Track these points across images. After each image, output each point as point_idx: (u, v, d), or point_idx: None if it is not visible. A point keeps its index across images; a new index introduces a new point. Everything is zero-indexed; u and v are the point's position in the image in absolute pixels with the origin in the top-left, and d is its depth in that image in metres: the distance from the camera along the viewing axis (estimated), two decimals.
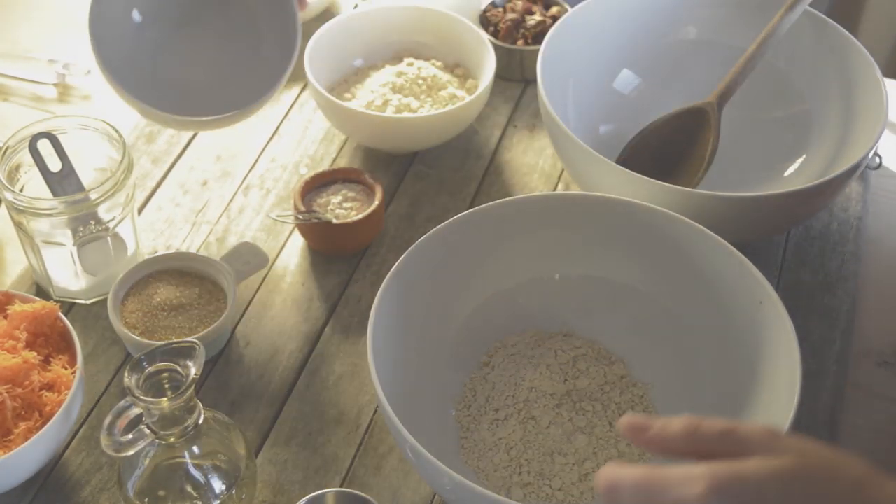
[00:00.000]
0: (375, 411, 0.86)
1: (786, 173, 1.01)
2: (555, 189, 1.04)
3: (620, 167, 0.88)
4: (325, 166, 1.06)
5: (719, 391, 0.80)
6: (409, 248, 0.81)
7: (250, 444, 0.78)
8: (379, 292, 0.77)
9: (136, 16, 0.93)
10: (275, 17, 0.93)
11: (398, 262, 0.80)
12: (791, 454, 0.50)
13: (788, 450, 0.50)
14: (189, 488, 0.73)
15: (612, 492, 0.51)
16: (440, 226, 0.83)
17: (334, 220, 0.94)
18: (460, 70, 1.09)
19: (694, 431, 0.52)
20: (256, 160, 1.06)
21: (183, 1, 0.94)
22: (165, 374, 0.69)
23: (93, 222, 0.86)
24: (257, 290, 0.95)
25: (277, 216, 0.96)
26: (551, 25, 1.06)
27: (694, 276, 0.83)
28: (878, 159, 1.04)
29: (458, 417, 0.83)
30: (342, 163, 1.06)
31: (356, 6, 1.22)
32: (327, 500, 0.75)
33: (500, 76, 1.12)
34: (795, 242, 0.99)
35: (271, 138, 1.09)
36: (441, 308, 0.85)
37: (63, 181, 0.87)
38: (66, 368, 0.79)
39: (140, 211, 1.00)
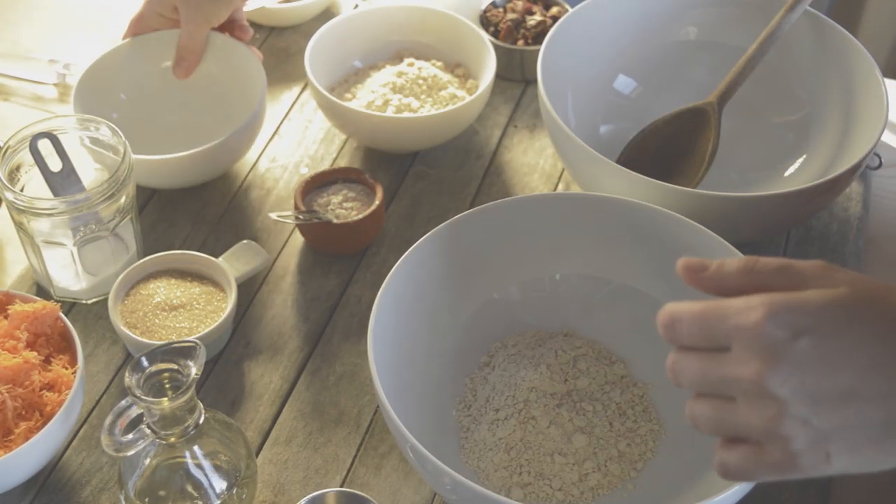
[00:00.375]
0: (376, 411, 0.86)
1: (786, 173, 1.01)
2: (555, 189, 1.04)
3: (620, 167, 0.88)
4: (325, 166, 1.06)
5: None
6: (410, 248, 0.81)
7: (250, 443, 0.78)
8: (379, 292, 0.78)
9: (122, 96, 1.04)
10: (237, 71, 1.03)
11: (398, 262, 0.80)
12: (845, 285, 0.52)
13: (842, 281, 0.52)
14: (189, 488, 0.73)
15: (671, 326, 0.53)
16: (440, 226, 0.83)
17: (335, 220, 0.94)
18: (461, 70, 1.09)
19: (752, 268, 0.54)
20: (256, 160, 1.06)
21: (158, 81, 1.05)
22: (166, 374, 0.69)
23: (93, 222, 0.86)
24: (257, 290, 0.95)
25: (278, 216, 0.96)
26: (551, 25, 1.06)
27: None
28: (878, 159, 1.04)
29: (458, 417, 0.83)
30: (342, 163, 1.06)
31: (356, 6, 1.22)
32: (327, 500, 0.75)
33: (500, 76, 1.12)
34: (795, 242, 0.99)
35: (271, 138, 1.09)
36: (441, 308, 0.85)
37: (64, 181, 0.87)
38: (66, 368, 0.79)
39: (140, 211, 1.00)
